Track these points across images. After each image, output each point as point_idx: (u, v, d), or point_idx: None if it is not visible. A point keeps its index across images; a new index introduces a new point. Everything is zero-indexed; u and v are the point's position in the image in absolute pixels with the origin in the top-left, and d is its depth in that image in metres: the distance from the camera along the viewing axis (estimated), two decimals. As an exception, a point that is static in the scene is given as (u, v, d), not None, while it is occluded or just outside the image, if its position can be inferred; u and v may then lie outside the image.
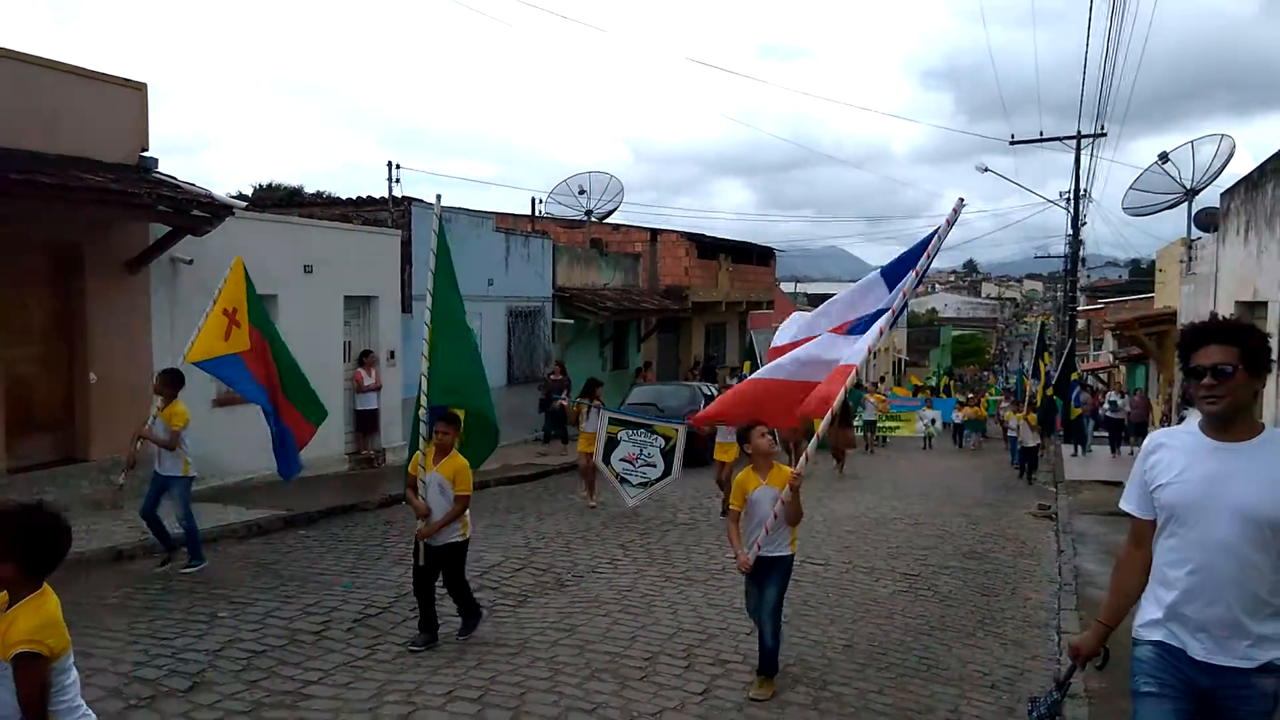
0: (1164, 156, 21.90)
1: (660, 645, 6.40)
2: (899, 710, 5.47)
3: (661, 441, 11.55)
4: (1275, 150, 10.25)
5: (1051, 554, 10.20)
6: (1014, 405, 21.40)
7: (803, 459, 5.66)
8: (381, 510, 11.15)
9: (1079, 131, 29.02)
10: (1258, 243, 10.59)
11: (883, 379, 43.91)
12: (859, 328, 6.00)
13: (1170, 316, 20.03)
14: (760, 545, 5.46)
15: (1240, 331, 2.96)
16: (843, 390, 5.60)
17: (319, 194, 27.95)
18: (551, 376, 17.80)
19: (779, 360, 6.29)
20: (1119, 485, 3.31)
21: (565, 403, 16.32)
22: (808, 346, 6.17)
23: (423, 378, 6.37)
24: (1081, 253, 33.88)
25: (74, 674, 2.82)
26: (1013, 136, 30.82)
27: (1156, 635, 3.04)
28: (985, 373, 76.31)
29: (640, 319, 24.39)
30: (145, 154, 10.73)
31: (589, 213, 26.01)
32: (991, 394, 35.70)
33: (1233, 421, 2.94)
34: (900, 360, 58.25)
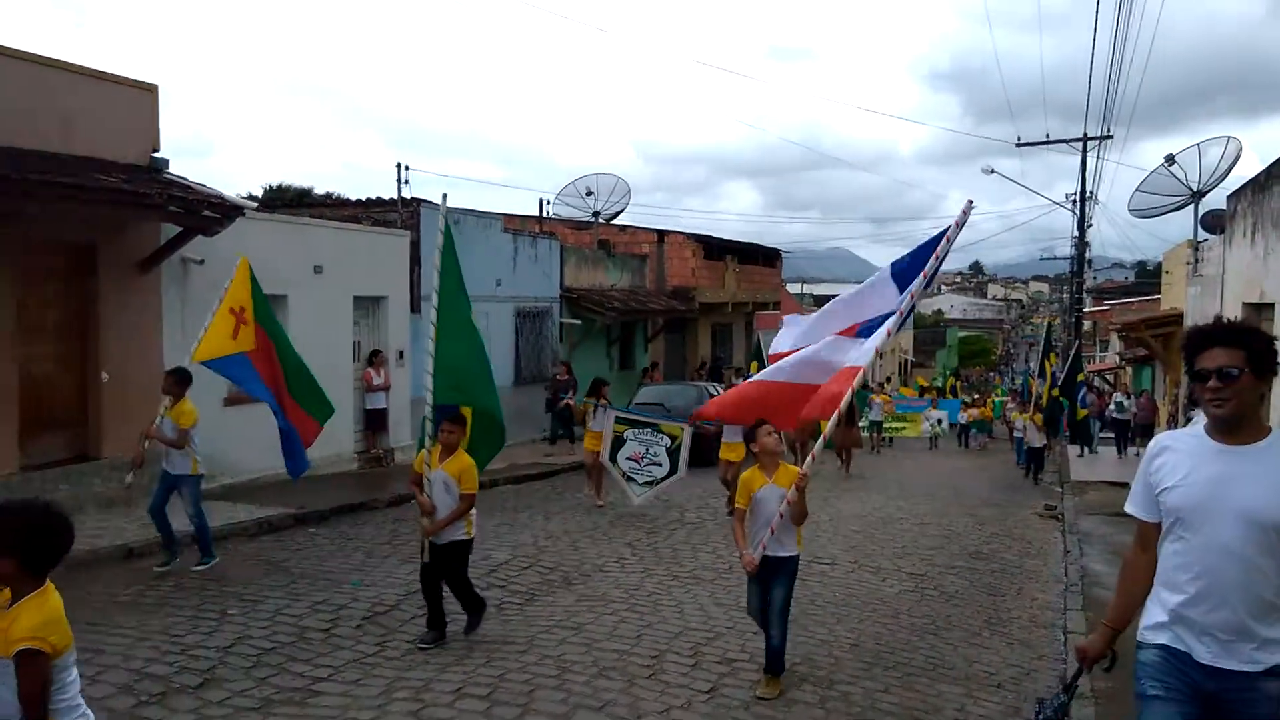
0: (1171, 159, 21.84)
1: (667, 644, 6.43)
2: (905, 709, 5.49)
3: (667, 440, 11.58)
4: (1283, 152, 10.22)
5: (1058, 554, 10.21)
6: (1020, 406, 21.40)
7: (809, 458, 5.69)
8: (390, 509, 11.21)
9: (1085, 134, 28.97)
10: (1264, 244, 10.57)
11: (889, 379, 43.86)
12: (868, 330, 5.99)
13: (1177, 318, 19.99)
14: (766, 545, 5.48)
15: (1246, 334, 2.95)
16: (850, 391, 5.63)
17: (328, 195, 28.03)
18: (557, 376, 17.87)
19: (780, 363, 6.30)
20: (1125, 486, 3.32)
21: (572, 402, 16.37)
22: (814, 348, 6.18)
23: (428, 375, 6.40)
24: (1087, 254, 33.84)
25: (75, 672, 2.80)
26: (1019, 138, 30.84)
27: (1162, 639, 3.02)
28: (991, 374, 76.17)
29: (647, 319, 24.43)
30: (156, 155, 10.82)
31: (596, 214, 26.04)
32: (998, 395, 35.65)
33: (1239, 425, 2.92)
34: (906, 361, 58.20)
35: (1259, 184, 11.18)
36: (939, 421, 26.43)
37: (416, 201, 16.06)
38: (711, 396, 17.69)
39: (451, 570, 6.34)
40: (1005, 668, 6.36)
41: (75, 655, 2.81)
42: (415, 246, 15.46)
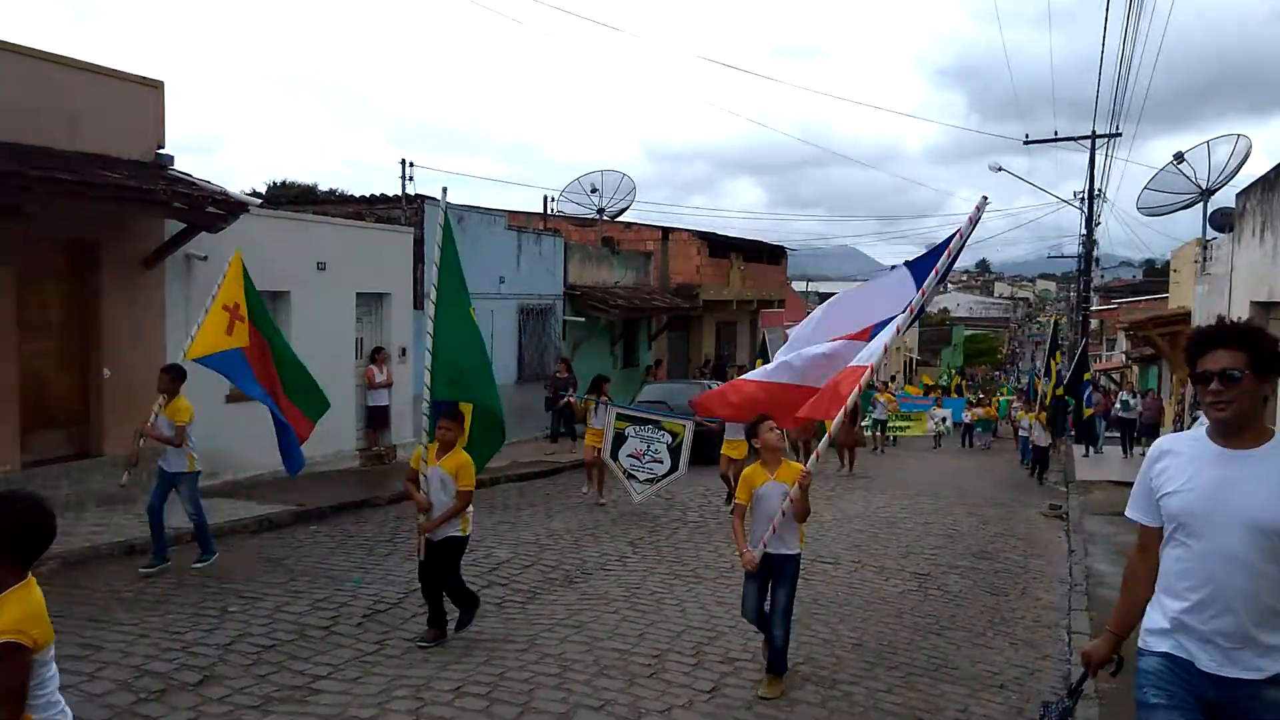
0: (1179, 156, 21.74)
1: (669, 643, 6.41)
2: (908, 709, 5.46)
3: (669, 438, 11.55)
4: (1291, 150, 10.16)
5: (1062, 554, 10.17)
6: (1026, 405, 21.34)
7: (813, 457, 5.65)
8: (391, 506, 11.19)
9: (1094, 131, 28.77)
10: (1273, 243, 10.50)
11: (894, 378, 43.79)
12: (879, 330, 5.90)
13: (1184, 317, 19.89)
14: (767, 543, 5.45)
15: (1248, 336, 2.91)
16: (855, 390, 5.57)
17: (332, 192, 28.02)
18: (557, 374, 17.87)
19: (786, 360, 6.22)
20: (1130, 486, 3.27)
21: (572, 399, 16.35)
22: (823, 349, 6.09)
23: (427, 371, 6.37)
24: (1095, 253, 33.64)
25: (54, 668, 2.77)
26: (1027, 136, 30.45)
27: (1164, 646, 2.97)
28: (997, 373, 76.04)
29: (651, 317, 24.39)
30: (161, 151, 10.81)
31: (601, 211, 26.01)
32: (1004, 394, 35.55)
33: (1241, 428, 2.87)
34: (912, 359, 58.10)
35: (1268, 182, 11.10)
36: (944, 420, 26.38)
37: (420, 198, 16.03)
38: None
39: (443, 567, 6.27)
40: (1009, 668, 6.33)
41: (54, 651, 2.77)
42: (419, 243, 15.43)
